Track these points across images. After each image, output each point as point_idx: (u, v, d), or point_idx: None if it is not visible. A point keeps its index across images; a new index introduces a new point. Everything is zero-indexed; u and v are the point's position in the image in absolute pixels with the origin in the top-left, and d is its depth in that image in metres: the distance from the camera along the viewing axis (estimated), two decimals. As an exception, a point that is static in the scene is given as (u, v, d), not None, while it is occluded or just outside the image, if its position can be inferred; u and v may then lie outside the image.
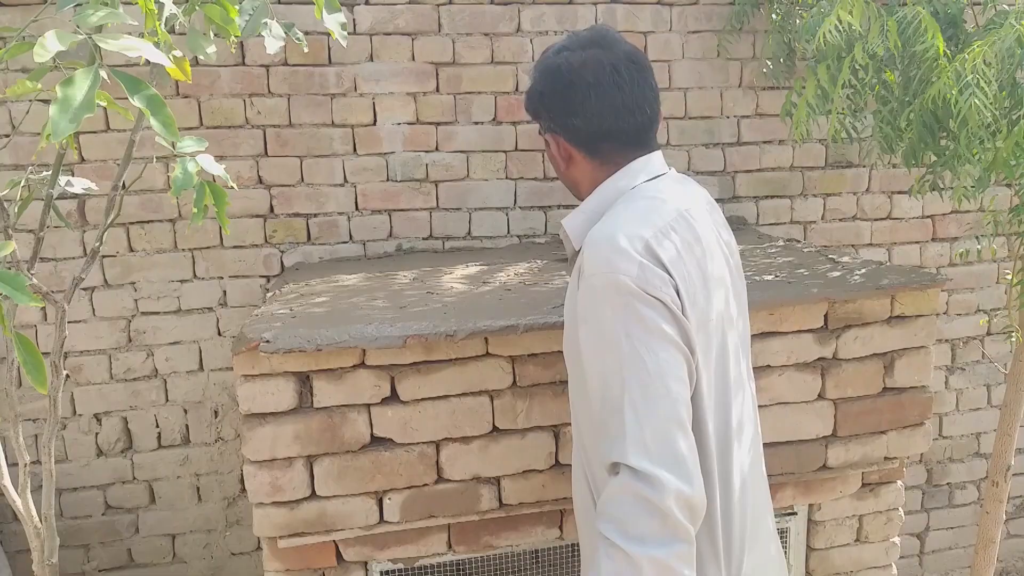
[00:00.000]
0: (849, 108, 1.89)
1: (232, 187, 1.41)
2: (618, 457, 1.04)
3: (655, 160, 1.27)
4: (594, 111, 1.22)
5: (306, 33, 2.18)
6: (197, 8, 1.37)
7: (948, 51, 1.69)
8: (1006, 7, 1.70)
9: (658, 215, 1.16)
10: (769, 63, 2.53)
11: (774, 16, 2.43)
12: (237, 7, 1.40)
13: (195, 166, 1.31)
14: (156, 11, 1.25)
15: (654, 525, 1.00)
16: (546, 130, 1.30)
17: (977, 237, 1.84)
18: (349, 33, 2.33)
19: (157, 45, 1.23)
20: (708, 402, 1.16)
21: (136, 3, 1.24)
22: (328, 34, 1.62)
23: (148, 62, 1.23)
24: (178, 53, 1.35)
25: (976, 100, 1.58)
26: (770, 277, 1.86)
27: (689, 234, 1.17)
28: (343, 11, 2.31)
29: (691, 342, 1.10)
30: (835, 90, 1.77)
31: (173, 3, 1.30)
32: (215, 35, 1.44)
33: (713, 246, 1.22)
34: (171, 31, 1.60)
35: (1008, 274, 2.04)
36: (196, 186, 1.33)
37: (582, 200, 1.30)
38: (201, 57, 1.42)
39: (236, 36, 1.39)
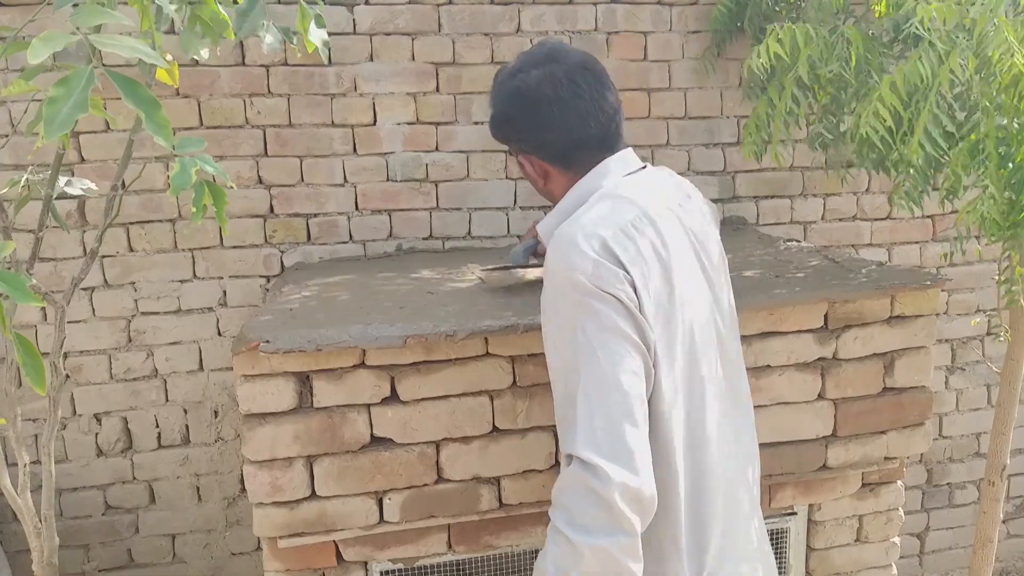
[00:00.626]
0: (787, 130, 1.93)
1: (231, 187, 1.42)
2: (570, 448, 1.07)
3: (626, 158, 1.30)
4: (561, 123, 1.26)
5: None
6: (186, 7, 1.36)
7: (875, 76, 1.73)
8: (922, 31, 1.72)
9: (619, 215, 1.18)
10: (748, 88, 2.53)
11: (754, 42, 2.43)
12: (230, 7, 1.40)
13: (194, 165, 1.31)
14: (152, 15, 1.25)
15: (600, 515, 1.02)
16: (519, 152, 1.34)
17: (959, 237, 1.84)
18: (349, 33, 2.33)
19: (152, 47, 1.23)
20: (672, 399, 1.16)
21: (131, 4, 1.24)
22: (328, 35, 1.61)
23: (142, 63, 1.24)
24: (169, 57, 1.35)
25: (868, 130, 1.60)
26: (769, 277, 1.86)
27: (652, 232, 1.18)
28: (343, 11, 2.33)
29: (647, 339, 1.12)
30: (779, 112, 1.81)
31: (169, 3, 1.30)
32: (203, 36, 1.44)
33: (680, 245, 1.22)
34: (169, 31, 1.60)
35: (996, 276, 2.05)
36: (195, 185, 1.33)
37: None
38: (197, 57, 1.42)
39: (228, 37, 1.39)
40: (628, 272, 1.11)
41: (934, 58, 1.57)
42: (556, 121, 1.26)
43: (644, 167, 1.32)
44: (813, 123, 2.12)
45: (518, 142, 1.34)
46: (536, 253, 1.86)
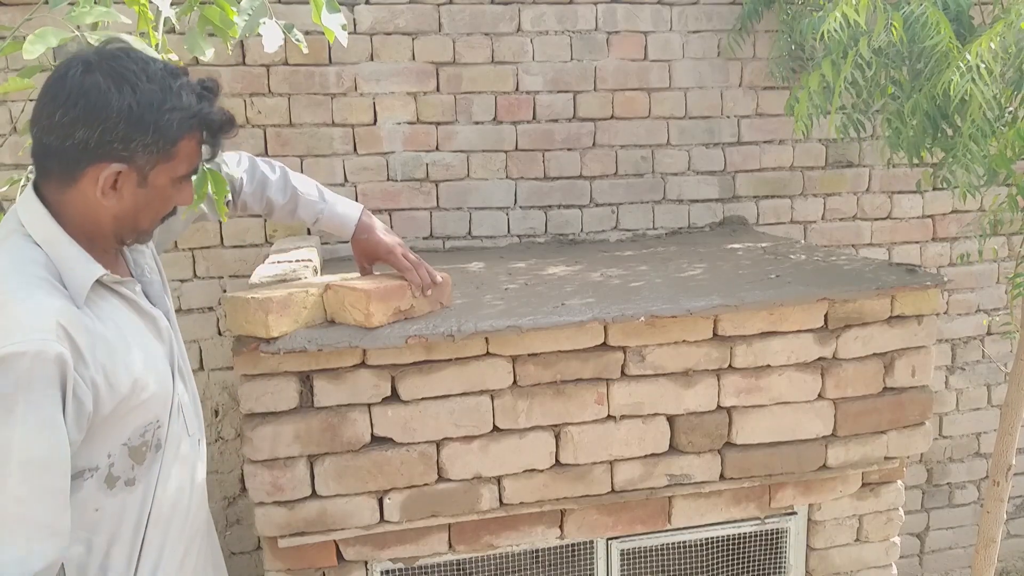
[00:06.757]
0: (855, 106, 1.88)
1: (241, 177, 1.45)
2: None
3: None
4: None
5: (306, 33, 2.18)
6: (195, 8, 1.37)
7: (958, 45, 1.68)
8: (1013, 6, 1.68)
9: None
10: (776, 63, 2.52)
11: (785, 17, 2.43)
12: (235, 8, 1.40)
13: None
14: (151, 16, 1.25)
15: None
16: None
17: (977, 237, 1.84)
18: (349, 33, 2.32)
19: (155, 47, 1.23)
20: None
21: (128, 4, 1.24)
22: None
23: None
24: (174, 56, 1.35)
25: (975, 87, 1.57)
26: (769, 276, 1.86)
27: None
28: (343, 11, 2.31)
29: None
30: (838, 81, 1.75)
31: (170, 5, 1.30)
32: (210, 35, 1.44)
33: None
34: (170, 31, 1.60)
35: (1011, 275, 2.04)
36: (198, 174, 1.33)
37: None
38: (203, 57, 1.42)
39: (234, 37, 1.39)
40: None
41: None
42: None
43: None
44: (879, 98, 2.01)
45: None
46: None
